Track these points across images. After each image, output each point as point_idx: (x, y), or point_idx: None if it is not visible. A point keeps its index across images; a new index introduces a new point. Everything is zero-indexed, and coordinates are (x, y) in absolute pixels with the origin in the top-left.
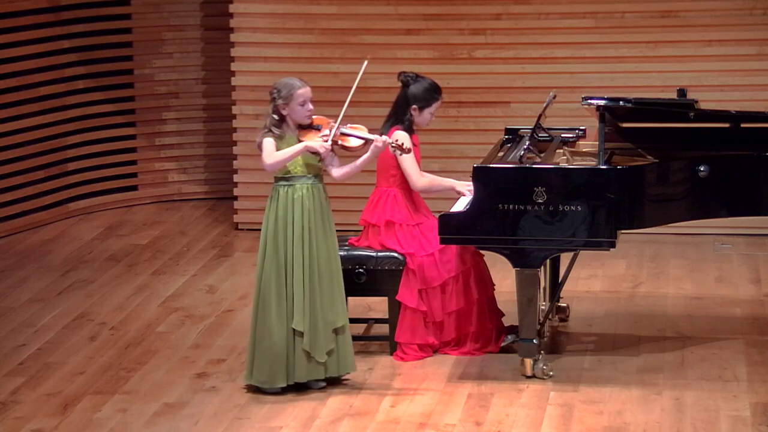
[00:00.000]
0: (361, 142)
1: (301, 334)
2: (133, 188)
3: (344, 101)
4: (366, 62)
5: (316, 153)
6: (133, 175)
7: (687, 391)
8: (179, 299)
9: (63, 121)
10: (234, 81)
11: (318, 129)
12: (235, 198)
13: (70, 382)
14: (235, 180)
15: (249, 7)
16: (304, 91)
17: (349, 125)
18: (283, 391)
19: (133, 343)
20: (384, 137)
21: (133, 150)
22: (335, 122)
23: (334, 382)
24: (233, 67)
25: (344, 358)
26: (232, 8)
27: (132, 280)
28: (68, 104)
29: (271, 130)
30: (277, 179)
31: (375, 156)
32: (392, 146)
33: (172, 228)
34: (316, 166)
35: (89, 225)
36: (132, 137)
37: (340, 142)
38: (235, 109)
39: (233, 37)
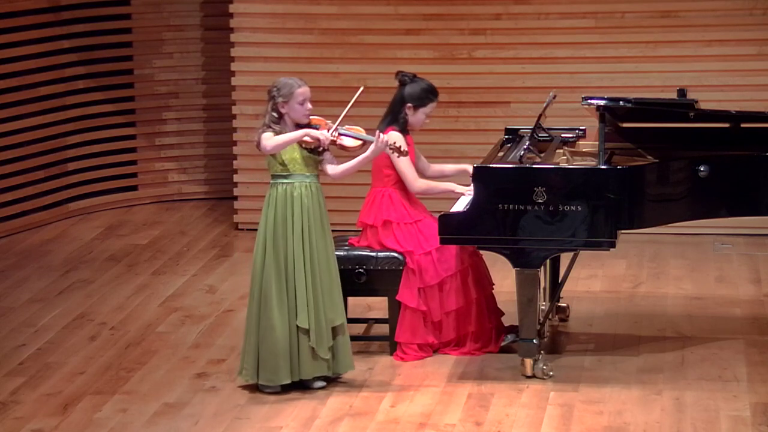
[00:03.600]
0: (359, 143)
1: (306, 331)
2: (133, 188)
3: (344, 101)
4: (362, 88)
5: (315, 141)
6: (133, 175)
7: (687, 391)
8: (179, 299)
9: (63, 121)
10: (234, 81)
11: (316, 129)
12: (235, 198)
13: (70, 382)
14: (235, 180)
15: (249, 7)
16: (304, 90)
17: (347, 126)
18: (283, 389)
19: (133, 343)
20: (384, 137)
21: (133, 150)
22: (333, 123)
23: (333, 382)
24: (233, 67)
25: (342, 358)
26: (232, 8)
27: (132, 280)
28: (68, 104)
29: (270, 127)
30: (275, 177)
31: (374, 155)
32: (390, 148)
33: (172, 228)
34: (314, 164)
35: (89, 225)
36: (132, 137)
37: (338, 141)
38: (235, 109)
39: (233, 37)
